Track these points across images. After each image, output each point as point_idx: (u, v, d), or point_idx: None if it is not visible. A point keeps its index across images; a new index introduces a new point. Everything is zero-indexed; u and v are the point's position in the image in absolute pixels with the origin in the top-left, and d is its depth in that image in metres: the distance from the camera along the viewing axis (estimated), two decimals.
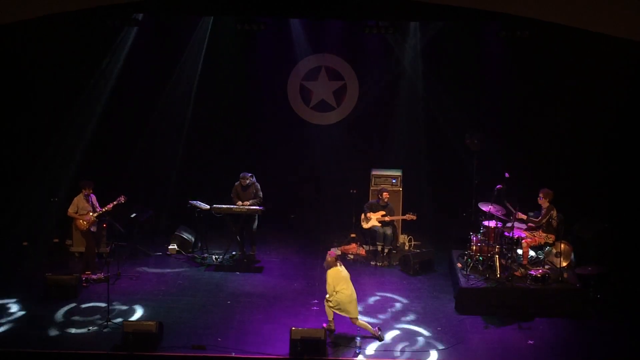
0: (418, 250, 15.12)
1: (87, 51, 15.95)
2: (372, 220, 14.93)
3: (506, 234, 13.27)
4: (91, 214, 13.75)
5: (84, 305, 12.57)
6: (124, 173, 16.12)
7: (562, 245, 13.15)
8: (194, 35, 16.26)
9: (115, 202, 13.81)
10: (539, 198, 13.36)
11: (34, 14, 11.39)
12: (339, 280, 11.55)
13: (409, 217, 15.00)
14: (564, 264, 13.14)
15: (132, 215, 14.96)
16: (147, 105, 16.58)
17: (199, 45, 16.35)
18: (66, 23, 14.57)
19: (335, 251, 12.07)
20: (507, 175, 13.62)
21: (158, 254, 15.06)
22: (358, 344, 11.14)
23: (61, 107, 16.13)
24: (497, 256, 13.09)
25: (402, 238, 15.69)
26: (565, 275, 12.90)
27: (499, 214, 13.42)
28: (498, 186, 13.55)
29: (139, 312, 12.37)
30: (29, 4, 11.23)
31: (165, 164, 16.74)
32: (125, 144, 16.62)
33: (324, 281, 13.69)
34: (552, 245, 13.35)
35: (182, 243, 15.19)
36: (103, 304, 12.22)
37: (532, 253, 13.50)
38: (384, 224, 14.94)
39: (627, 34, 11.00)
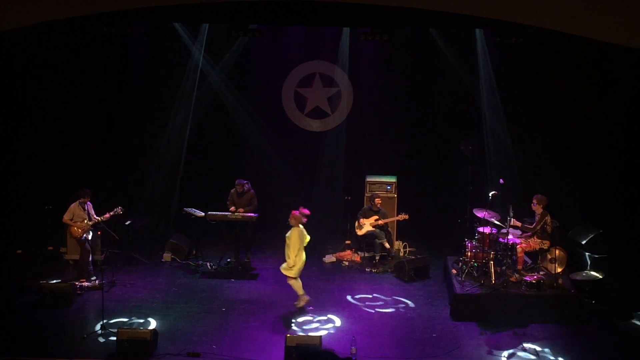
0: (413, 257, 15.12)
1: (83, 58, 15.98)
2: (366, 226, 14.96)
3: (501, 239, 13.29)
4: (86, 221, 13.74)
5: (78, 313, 12.56)
6: (119, 180, 16.10)
7: (557, 251, 13.16)
8: (188, 43, 16.27)
9: (112, 213, 13.82)
10: (532, 204, 13.39)
11: (30, 21, 11.40)
12: (303, 240, 12.34)
13: (402, 217, 15.05)
14: (559, 270, 13.16)
15: (127, 223, 14.94)
16: (142, 112, 16.58)
17: (193, 53, 16.36)
18: (62, 30, 14.61)
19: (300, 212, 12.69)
20: (501, 181, 13.64)
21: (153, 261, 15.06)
22: (354, 351, 11.12)
23: (57, 115, 16.13)
24: (492, 262, 13.10)
25: (397, 244, 15.70)
26: (560, 281, 12.91)
27: (493, 220, 13.44)
28: (492, 192, 13.57)
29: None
30: (24, 12, 11.23)
31: (160, 171, 16.72)
32: (121, 151, 16.62)
33: (318, 288, 13.76)
34: (547, 251, 13.37)
35: (176, 250, 15.17)
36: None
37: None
38: (377, 228, 14.97)
39: (619, 40, 11.06)
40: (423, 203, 16.53)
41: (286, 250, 12.54)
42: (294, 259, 12.43)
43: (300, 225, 12.54)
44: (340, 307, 12.98)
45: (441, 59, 16.20)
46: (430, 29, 15.82)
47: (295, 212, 12.59)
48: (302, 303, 12.70)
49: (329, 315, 12.62)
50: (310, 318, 12.52)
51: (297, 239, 12.42)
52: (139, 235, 15.56)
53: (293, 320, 12.36)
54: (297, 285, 12.65)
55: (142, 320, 12.22)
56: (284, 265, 12.64)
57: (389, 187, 15.81)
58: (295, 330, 11.97)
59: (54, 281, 13.48)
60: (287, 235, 12.58)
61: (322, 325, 12.26)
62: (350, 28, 15.80)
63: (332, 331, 12.03)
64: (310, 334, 11.74)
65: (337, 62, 16.82)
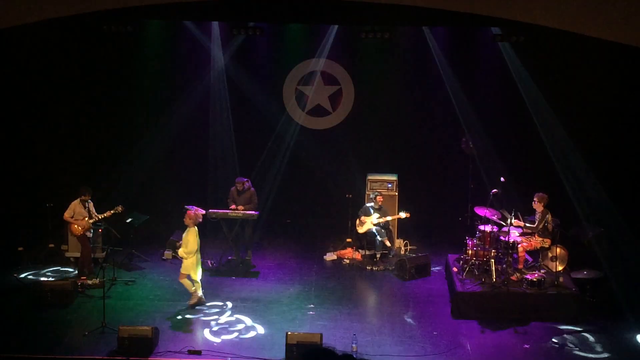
0: (414, 255, 15.12)
1: (85, 56, 15.98)
2: (367, 223, 14.95)
3: (502, 238, 13.28)
4: (87, 219, 13.75)
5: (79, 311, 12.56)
6: (120, 178, 16.10)
7: (558, 250, 13.16)
8: (189, 41, 16.25)
9: (112, 211, 13.83)
10: (533, 202, 13.37)
11: (31, 19, 11.41)
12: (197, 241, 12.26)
13: (403, 215, 15.03)
14: (560, 268, 13.16)
15: (128, 221, 14.92)
16: (143, 110, 16.59)
17: (194, 51, 16.34)
18: (63, 28, 14.61)
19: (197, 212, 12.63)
20: (502, 179, 13.63)
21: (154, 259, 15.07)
22: (354, 349, 11.12)
23: (58, 113, 16.14)
24: (492, 260, 13.10)
25: (398, 242, 15.69)
26: (561, 279, 12.91)
27: (494, 218, 13.43)
28: (493, 190, 13.57)
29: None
30: (27, 9, 11.24)
31: (161, 168, 16.72)
32: (122, 148, 16.63)
33: (319, 286, 13.76)
34: (548, 249, 13.36)
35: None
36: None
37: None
38: (378, 226, 14.96)
39: (619, 38, 11.06)
40: (424, 201, 16.51)
41: (182, 250, 12.53)
42: (190, 259, 12.43)
43: (196, 227, 12.53)
44: (341, 306, 12.99)
45: (442, 57, 16.18)
46: (432, 27, 15.80)
47: (191, 212, 12.58)
48: (194, 301, 12.75)
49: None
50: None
51: (193, 240, 12.39)
52: (140, 233, 15.54)
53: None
54: (187, 283, 12.70)
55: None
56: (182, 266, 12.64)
57: (390, 185, 15.79)
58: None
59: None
60: (183, 235, 12.58)
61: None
62: (352, 26, 15.78)
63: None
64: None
65: (338, 60, 16.80)
